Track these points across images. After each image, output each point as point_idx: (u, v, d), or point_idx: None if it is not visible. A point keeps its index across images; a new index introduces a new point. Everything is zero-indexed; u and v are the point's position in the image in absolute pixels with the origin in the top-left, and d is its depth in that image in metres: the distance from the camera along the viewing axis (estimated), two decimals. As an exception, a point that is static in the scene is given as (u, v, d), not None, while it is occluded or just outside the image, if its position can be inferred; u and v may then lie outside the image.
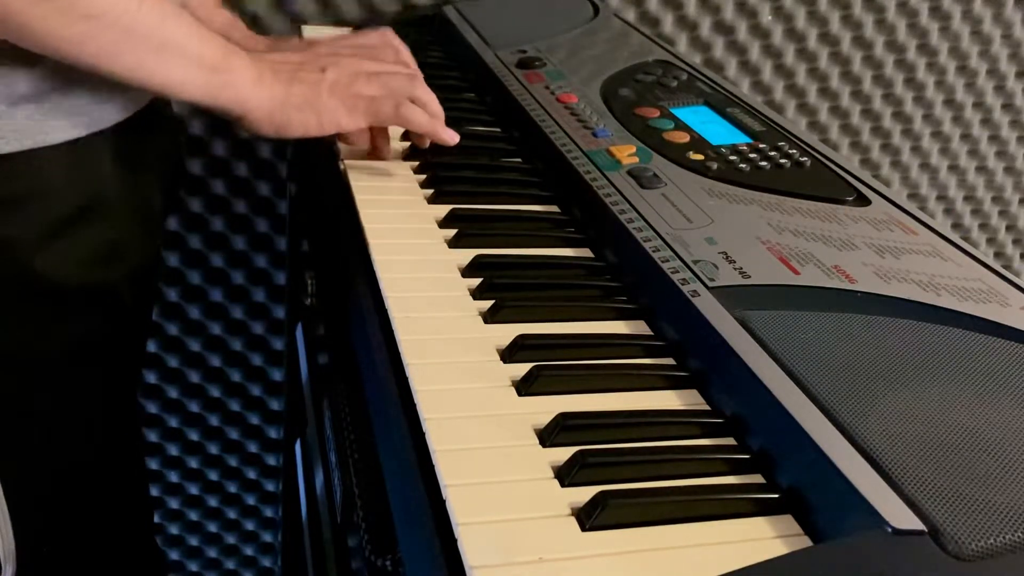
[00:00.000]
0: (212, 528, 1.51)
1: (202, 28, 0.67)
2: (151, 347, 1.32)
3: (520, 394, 0.50)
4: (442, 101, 0.92)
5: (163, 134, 0.78)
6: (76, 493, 0.80)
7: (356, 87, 0.73)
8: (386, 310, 0.56)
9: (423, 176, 0.75)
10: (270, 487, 1.48)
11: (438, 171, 0.76)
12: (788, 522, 0.43)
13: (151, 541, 0.97)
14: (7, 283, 0.66)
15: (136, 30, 0.62)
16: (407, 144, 0.81)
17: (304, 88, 0.71)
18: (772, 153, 0.76)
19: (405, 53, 0.81)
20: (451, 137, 0.77)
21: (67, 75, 0.64)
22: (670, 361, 0.55)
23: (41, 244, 0.66)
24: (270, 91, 0.69)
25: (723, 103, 0.87)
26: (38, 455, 0.74)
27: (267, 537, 1.54)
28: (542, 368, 0.51)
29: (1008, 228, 1.60)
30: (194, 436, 1.41)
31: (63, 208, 0.67)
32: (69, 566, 0.82)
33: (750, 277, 0.57)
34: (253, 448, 1.44)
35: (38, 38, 0.59)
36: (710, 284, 0.56)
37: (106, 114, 0.68)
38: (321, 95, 0.71)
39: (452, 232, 0.66)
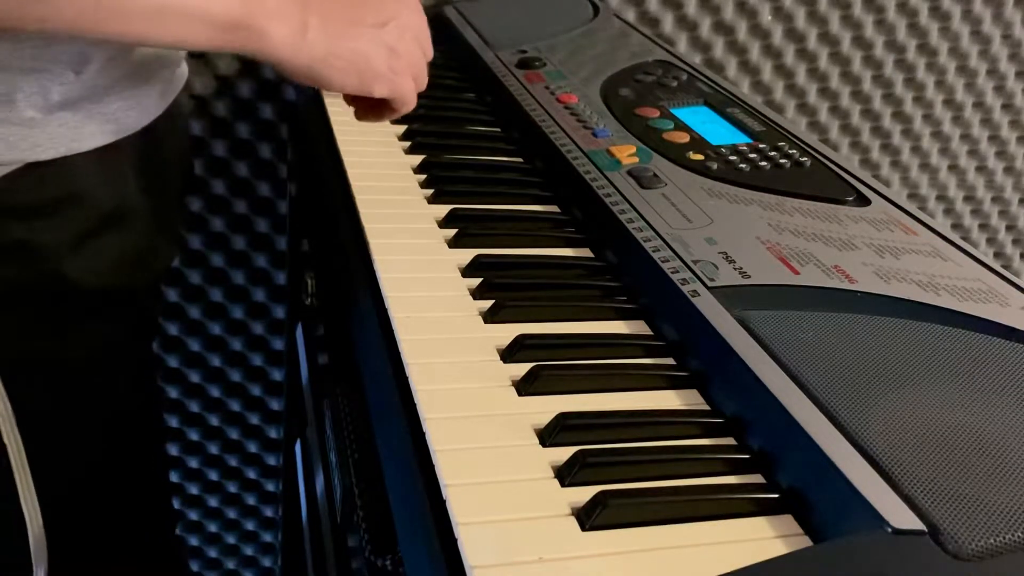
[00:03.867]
0: (212, 528, 1.51)
1: None
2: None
3: (520, 394, 0.50)
4: (442, 101, 0.92)
5: (178, 137, 0.79)
6: (103, 493, 0.80)
7: (407, 58, 0.68)
8: (386, 310, 0.56)
9: (423, 176, 0.75)
10: (270, 487, 1.48)
11: (438, 171, 0.76)
12: (788, 522, 0.43)
13: (175, 538, 0.97)
14: (37, 289, 0.66)
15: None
16: (407, 143, 0.81)
17: (355, 47, 0.64)
18: (772, 153, 0.76)
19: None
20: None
21: (98, 82, 0.64)
22: (670, 361, 0.55)
23: (71, 250, 0.66)
24: (309, 49, 0.62)
25: (723, 103, 0.87)
26: (67, 457, 0.74)
27: (267, 537, 1.54)
28: (542, 368, 0.51)
29: (1008, 228, 1.60)
30: (194, 436, 1.41)
31: (93, 214, 0.67)
32: (96, 566, 0.82)
33: (750, 277, 0.57)
34: (253, 448, 1.44)
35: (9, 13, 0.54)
36: (710, 284, 0.56)
37: (133, 119, 0.68)
38: (371, 59, 0.65)
39: (452, 232, 0.66)
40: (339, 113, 0.85)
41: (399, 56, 0.67)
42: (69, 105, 0.63)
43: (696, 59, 1.29)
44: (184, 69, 0.78)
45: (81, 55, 0.62)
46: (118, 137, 0.67)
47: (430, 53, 0.73)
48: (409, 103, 0.72)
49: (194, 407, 1.38)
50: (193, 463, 1.43)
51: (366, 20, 0.65)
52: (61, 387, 0.71)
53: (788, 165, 0.75)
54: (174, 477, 1.44)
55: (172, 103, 0.75)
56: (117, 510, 0.83)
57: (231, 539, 1.53)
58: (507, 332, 0.54)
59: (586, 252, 0.67)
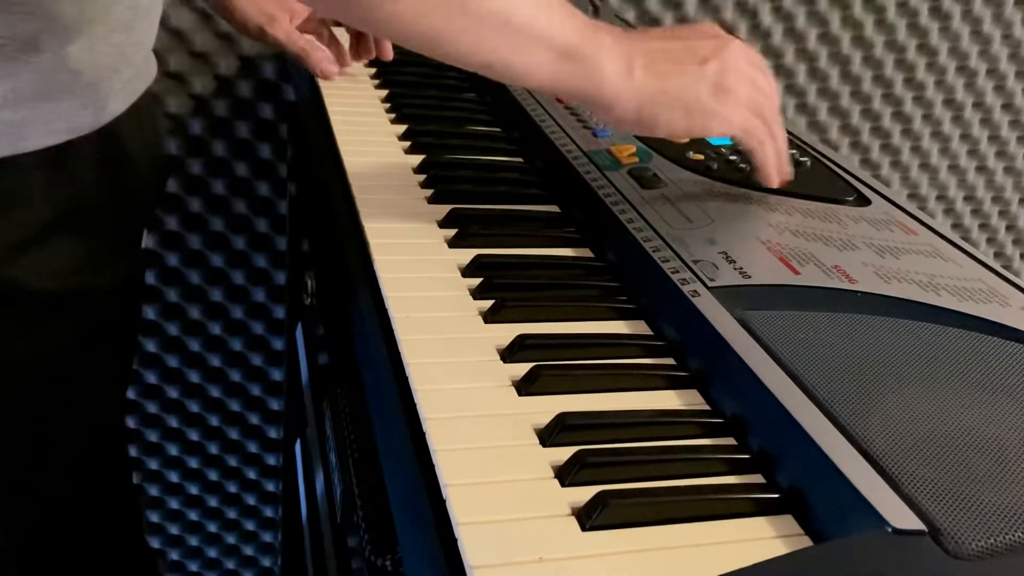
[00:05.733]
0: (212, 528, 1.51)
1: (560, 2, 0.60)
2: (151, 347, 1.32)
3: (520, 394, 0.50)
4: (442, 101, 0.92)
5: (145, 138, 0.77)
6: (63, 498, 0.79)
7: (736, 90, 0.64)
8: (386, 310, 0.56)
9: (423, 176, 0.75)
10: (270, 487, 1.48)
11: (438, 171, 0.76)
12: (788, 522, 0.43)
13: (142, 543, 0.96)
14: None
15: (473, 7, 0.56)
16: (407, 143, 0.81)
17: (680, 83, 0.62)
18: (772, 153, 0.76)
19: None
20: (776, 182, 0.69)
21: (49, 78, 0.62)
22: (670, 361, 0.55)
23: (21, 251, 0.65)
24: (639, 85, 0.61)
25: (723, 103, 0.86)
26: (23, 461, 0.73)
27: (267, 537, 1.54)
28: (542, 368, 0.51)
29: (1008, 228, 1.60)
30: (194, 436, 1.41)
31: (42, 215, 0.66)
32: (58, 569, 0.82)
33: (750, 277, 0.57)
34: (253, 448, 1.44)
35: (365, 16, 0.57)
36: (710, 284, 0.56)
37: (87, 119, 0.67)
38: (699, 95, 0.62)
39: (452, 232, 0.66)
40: (339, 113, 0.85)
41: (727, 91, 0.63)
42: (11, 104, 0.61)
43: (696, 59, 1.28)
44: (152, 70, 0.77)
45: (31, 40, 0.60)
46: (70, 137, 0.65)
47: (768, 90, 0.67)
48: (760, 137, 0.66)
49: (194, 407, 1.39)
50: (193, 463, 1.43)
51: (685, 60, 0.63)
52: (19, 391, 0.70)
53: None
54: (173, 477, 1.44)
55: (139, 104, 0.73)
56: (83, 518, 0.82)
57: (231, 539, 1.53)
58: (507, 332, 0.54)
59: (586, 252, 0.67)
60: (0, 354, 0.68)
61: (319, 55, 0.89)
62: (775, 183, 0.69)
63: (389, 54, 0.95)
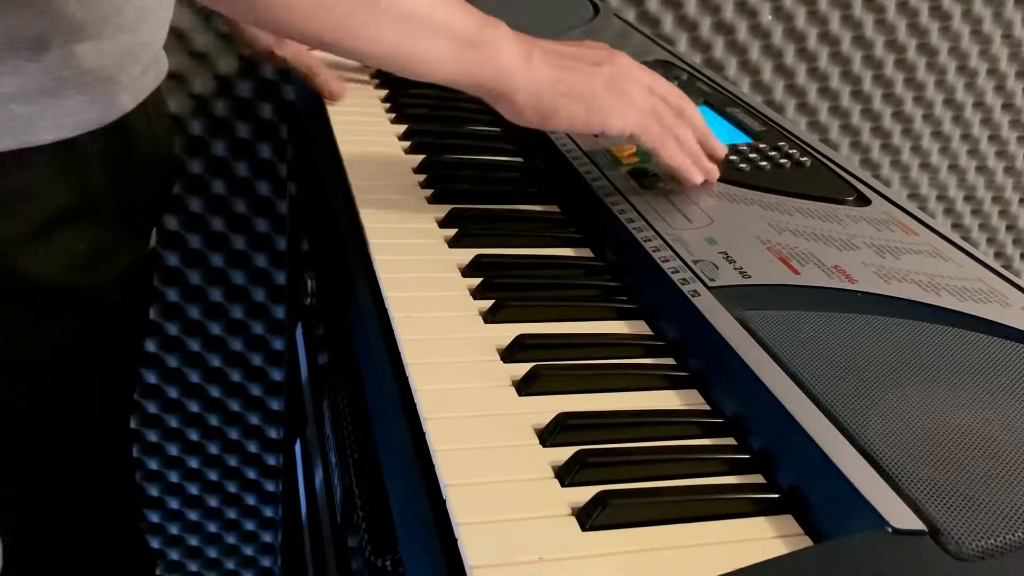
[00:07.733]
0: (212, 528, 1.51)
1: None
2: (151, 347, 1.32)
3: (520, 394, 0.50)
4: (442, 101, 0.92)
5: (155, 136, 0.77)
6: (64, 492, 0.79)
7: (631, 91, 0.66)
8: (386, 310, 0.56)
9: (423, 176, 0.75)
10: (270, 487, 1.48)
11: (438, 171, 0.76)
12: (788, 522, 0.43)
13: (140, 539, 0.96)
14: None
15: (373, 1, 0.57)
16: (407, 143, 0.81)
17: (577, 76, 0.64)
18: (772, 153, 0.76)
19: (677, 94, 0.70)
20: (696, 178, 0.69)
21: (58, 74, 0.63)
22: (670, 361, 0.55)
23: (26, 245, 0.65)
24: (539, 73, 0.63)
25: (723, 103, 0.87)
26: (24, 454, 0.74)
27: (267, 537, 1.54)
28: (542, 368, 0.51)
29: (1008, 228, 1.60)
30: (194, 436, 1.41)
31: (49, 209, 0.66)
32: (57, 564, 0.82)
33: (750, 277, 0.57)
34: (253, 448, 1.44)
35: (263, 12, 0.56)
36: (710, 284, 0.56)
37: (95, 115, 0.67)
38: (596, 88, 0.64)
39: (452, 232, 0.66)
40: (339, 113, 0.85)
41: (622, 92, 0.65)
42: (21, 98, 0.61)
43: (696, 59, 1.29)
44: (162, 67, 0.77)
45: (38, 40, 0.60)
46: (76, 133, 0.66)
47: (663, 92, 0.68)
48: (659, 136, 0.67)
49: (194, 407, 1.39)
50: (193, 463, 1.43)
51: (580, 60, 0.65)
52: (24, 384, 0.71)
53: (788, 165, 0.75)
54: (173, 477, 1.44)
55: (149, 102, 0.74)
56: (80, 511, 0.82)
57: (231, 539, 1.53)
58: (507, 332, 0.54)
59: (586, 252, 0.67)
60: (7, 344, 0.68)
61: (326, 75, 0.88)
62: (696, 180, 0.69)
63: None
